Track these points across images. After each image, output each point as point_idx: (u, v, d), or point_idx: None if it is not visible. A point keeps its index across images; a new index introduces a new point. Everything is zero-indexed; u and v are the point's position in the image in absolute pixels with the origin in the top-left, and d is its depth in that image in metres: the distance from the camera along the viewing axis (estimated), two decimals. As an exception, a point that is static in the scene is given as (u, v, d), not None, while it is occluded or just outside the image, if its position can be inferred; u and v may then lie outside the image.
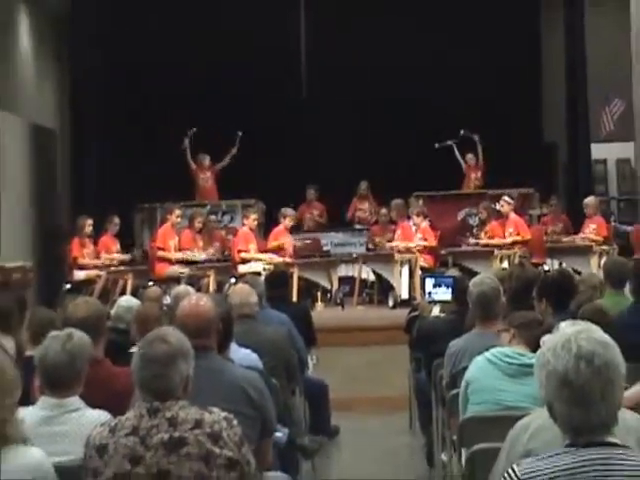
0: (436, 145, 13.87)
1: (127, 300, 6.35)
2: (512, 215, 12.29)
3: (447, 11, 14.39)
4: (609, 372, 2.22)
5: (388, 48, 14.27)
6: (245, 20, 14.26)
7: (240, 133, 13.90)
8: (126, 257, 12.30)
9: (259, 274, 10.68)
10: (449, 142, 14.04)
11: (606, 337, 2.29)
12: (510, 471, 2.22)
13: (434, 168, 13.46)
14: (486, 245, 12.24)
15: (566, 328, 2.33)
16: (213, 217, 13.46)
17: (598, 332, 2.30)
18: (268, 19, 14.36)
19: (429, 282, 7.94)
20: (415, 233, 12.25)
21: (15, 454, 2.69)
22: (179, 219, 12.13)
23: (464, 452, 4.02)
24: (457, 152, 14.19)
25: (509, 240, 12.06)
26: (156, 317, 5.30)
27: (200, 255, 11.85)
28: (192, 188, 14.09)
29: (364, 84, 14.52)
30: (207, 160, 14.02)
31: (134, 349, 4.85)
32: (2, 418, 2.69)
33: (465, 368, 4.44)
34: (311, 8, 14.58)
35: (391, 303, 11.99)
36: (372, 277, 12.66)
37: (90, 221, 12.09)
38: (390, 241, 12.54)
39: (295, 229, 12.70)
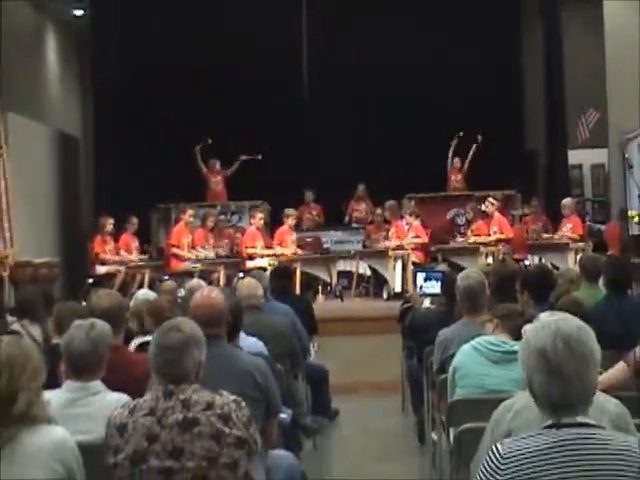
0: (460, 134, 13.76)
1: (144, 293, 6.35)
2: (496, 215, 12.29)
3: (436, 30, 14.28)
4: (584, 351, 2.24)
5: (389, 46, 14.18)
6: (247, 22, 14.06)
7: (260, 156, 13.84)
8: (143, 257, 12.30)
9: (265, 269, 10.69)
10: (457, 136, 13.95)
11: (583, 324, 2.31)
12: (494, 449, 2.23)
13: (426, 171, 13.46)
14: (472, 243, 12.24)
15: (547, 317, 2.35)
16: (223, 217, 13.46)
17: (576, 320, 2.33)
18: (270, 21, 14.12)
19: (420, 276, 7.92)
20: (408, 231, 12.26)
21: (41, 433, 2.70)
22: (192, 218, 12.13)
23: (452, 431, 4.02)
24: (452, 151, 14.12)
25: (493, 238, 12.06)
26: (169, 308, 5.29)
27: (209, 254, 11.84)
28: (204, 190, 14.09)
29: (365, 83, 14.31)
30: (217, 165, 14.03)
31: (142, 339, 4.85)
32: (29, 400, 2.70)
33: (453, 355, 4.43)
34: (312, 8, 14.51)
35: (385, 296, 11.99)
36: (368, 272, 12.67)
37: (111, 220, 12.10)
38: (385, 239, 12.56)
39: (295, 228, 12.68)
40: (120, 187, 14.03)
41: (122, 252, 12.07)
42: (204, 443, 2.87)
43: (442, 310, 6.14)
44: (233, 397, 3.01)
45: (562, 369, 2.21)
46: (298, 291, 10.75)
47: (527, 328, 2.36)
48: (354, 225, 14.02)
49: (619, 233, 12.43)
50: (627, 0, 13.16)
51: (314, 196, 14.00)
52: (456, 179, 14.20)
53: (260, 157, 13.77)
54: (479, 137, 13.79)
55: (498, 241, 12.03)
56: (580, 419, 2.22)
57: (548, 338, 2.24)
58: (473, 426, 3.55)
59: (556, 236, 12.28)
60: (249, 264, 11.62)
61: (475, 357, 4.17)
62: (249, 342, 4.76)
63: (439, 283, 7.16)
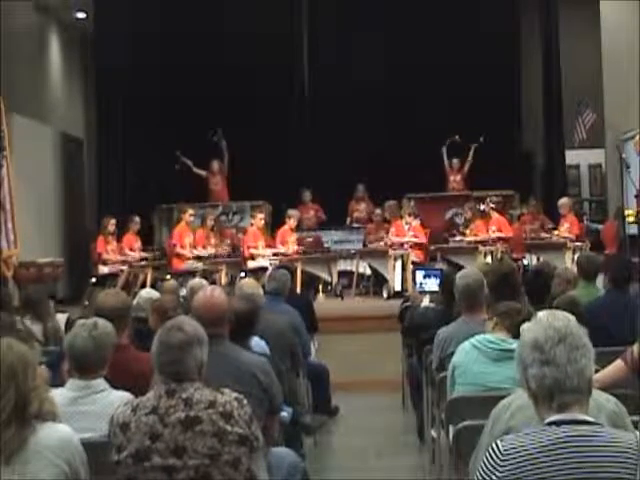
0: (456, 137, 13.73)
1: (147, 292, 6.36)
2: (495, 215, 12.28)
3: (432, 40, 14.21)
4: (575, 340, 2.28)
5: (389, 47, 14.15)
6: (247, 22, 13.97)
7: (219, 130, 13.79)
8: (146, 255, 12.28)
9: (266, 269, 10.70)
10: (451, 139, 13.92)
11: (576, 322, 2.35)
12: (494, 446, 2.22)
13: (425, 171, 13.45)
14: (471, 242, 12.23)
15: (543, 314, 2.38)
16: (224, 217, 13.45)
17: (572, 317, 2.37)
18: (270, 21, 14.06)
19: (419, 274, 7.95)
20: (407, 231, 12.25)
21: (46, 431, 2.70)
22: (192, 218, 12.14)
23: (451, 429, 4.01)
24: (445, 152, 14.10)
25: (492, 235, 12.05)
26: (172, 308, 5.29)
27: (211, 251, 11.82)
28: (205, 190, 14.07)
29: (365, 83, 14.20)
30: (216, 165, 13.96)
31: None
32: (41, 398, 2.71)
33: (452, 353, 4.43)
34: (312, 8, 14.50)
35: (385, 294, 11.97)
36: (368, 271, 12.65)
37: (113, 221, 12.09)
38: (384, 239, 12.55)
39: (296, 228, 12.68)
40: (123, 187, 14.03)
41: (125, 251, 12.06)
42: (206, 441, 2.87)
43: (441, 309, 6.14)
44: (235, 395, 3.01)
45: (555, 355, 2.26)
46: (299, 290, 10.75)
47: (524, 327, 2.38)
48: (354, 225, 14.01)
49: (616, 232, 12.44)
50: (624, 0, 13.17)
51: (311, 195, 13.99)
52: (455, 180, 14.17)
53: (215, 137, 13.77)
54: (481, 138, 13.74)
55: (497, 239, 12.02)
56: (579, 416, 2.22)
57: (540, 330, 2.31)
58: (472, 423, 3.55)
59: (554, 235, 12.28)
60: (250, 264, 11.63)
61: (474, 355, 4.17)
62: (252, 341, 4.75)
63: (438, 280, 7.18)
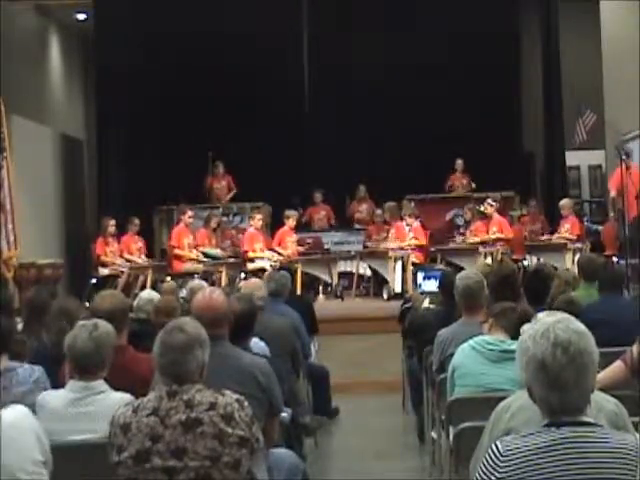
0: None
1: (148, 293, 6.37)
2: (496, 216, 12.28)
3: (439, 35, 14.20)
4: (583, 359, 2.20)
5: (389, 47, 14.15)
6: (247, 22, 13.91)
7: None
8: (145, 261, 12.25)
9: (266, 270, 10.70)
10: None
11: (582, 327, 2.26)
12: (494, 447, 2.22)
13: (426, 172, 13.45)
14: (471, 243, 12.23)
15: (545, 318, 2.31)
16: (225, 218, 13.45)
17: (575, 322, 2.28)
18: (270, 21, 14.00)
19: (420, 275, 7.97)
20: (408, 232, 12.25)
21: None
22: (191, 219, 12.12)
23: (452, 430, 4.02)
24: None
25: (493, 237, 12.05)
26: (174, 309, 5.30)
27: (212, 250, 11.81)
28: (206, 191, 14.05)
29: (365, 83, 14.19)
30: (221, 168, 13.90)
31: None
32: None
33: (452, 355, 4.44)
34: (312, 8, 14.51)
35: (386, 296, 11.99)
36: (368, 272, 12.66)
37: (113, 222, 12.08)
38: (385, 239, 12.57)
39: (303, 229, 12.65)
40: (123, 189, 14.02)
41: (124, 255, 12.05)
42: (207, 443, 2.87)
43: (441, 310, 6.15)
44: (236, 397, 3.01)
45: (561, 379, 2.18)
46: (299, 291, 10.76)
47: (526, 330, 2.33)
48: (356, 226, 13.98)
49: (616, 234, 12.43)
50: (624, 0, 13.17)
51: (323, 197, 13.97)
52: (461, 185, 14.14)
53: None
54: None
55: (497, 240, 12.03)
56: (579, 417, 2.22)
57: (547, 349, 2.20)
58: (472, 425, 3.56)
59: (554, 237, 12.28)
60: (250, 265, 11.63)
61: (474, 356, 4.18)
62: (252, 342, 4.76)
63: (438, 282, 7.18)
